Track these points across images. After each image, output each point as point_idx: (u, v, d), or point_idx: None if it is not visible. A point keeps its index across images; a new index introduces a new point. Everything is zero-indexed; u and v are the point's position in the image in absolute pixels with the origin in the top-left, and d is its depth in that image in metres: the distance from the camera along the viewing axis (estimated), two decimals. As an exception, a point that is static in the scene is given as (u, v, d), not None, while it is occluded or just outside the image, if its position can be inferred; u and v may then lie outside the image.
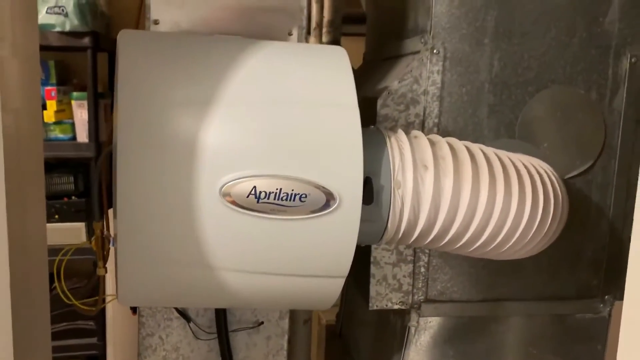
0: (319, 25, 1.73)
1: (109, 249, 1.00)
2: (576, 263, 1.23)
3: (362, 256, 1.18)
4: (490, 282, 1.21)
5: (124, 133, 0.81)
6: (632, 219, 0.66)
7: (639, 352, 0.62)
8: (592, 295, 1.25)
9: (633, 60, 1.16)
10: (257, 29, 1.05)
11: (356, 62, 1.57)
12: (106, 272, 0.99)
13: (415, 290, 1.18)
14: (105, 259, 0.99)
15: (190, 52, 0.89)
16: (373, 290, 1.17)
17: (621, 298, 1.26)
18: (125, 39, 0.88)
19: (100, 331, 2.30)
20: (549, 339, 1.27)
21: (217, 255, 0.85)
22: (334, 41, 1.65)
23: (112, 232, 0.93)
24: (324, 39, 1.67)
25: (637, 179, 1.22)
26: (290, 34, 1.07)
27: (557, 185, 1.04)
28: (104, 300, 1.04)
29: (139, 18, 1.11)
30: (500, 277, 1.21)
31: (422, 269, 1.18)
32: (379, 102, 1.10)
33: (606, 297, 1.25)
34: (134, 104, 0.82)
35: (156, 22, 1.03)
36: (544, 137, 1.16)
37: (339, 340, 1.68)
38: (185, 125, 0.82)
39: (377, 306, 1.18)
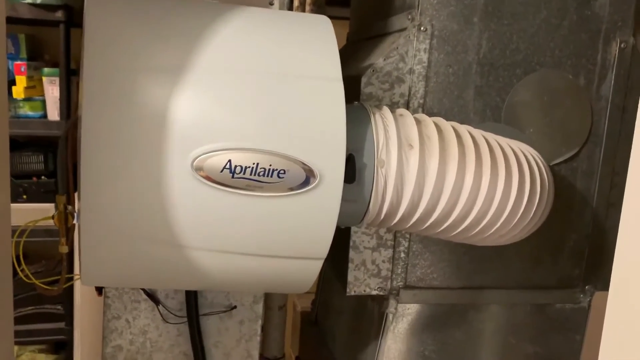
0: (302, 3, 1.68)
1: (74, 225, 0.95)
2: (558, 252, 1.21)
3: (341, 240, 1.14)
4: (470, 269, 1.18)
5: (89, 100, 0.75)
6: (616, 209, 0.63)
7: (622, 344, 0.59)
8: (573, 285, 1.23)
9: (622, 45, 1.14)
10: (236, -3, 1.00)
11: (340, 45, 1.53)
12: (68, 250, 0.93)
13: (394, 276, 1.15)
14: (68, 236, 0.93)
15: (163, 15, 0.83)
16: (351, 275, 1.13)
17: (602, 288, 1.25)
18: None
19: (68, 315, 2.23)
20: (528, 328, 1.24)
21: (187, 232, 0.80)
22: (317, 20, 1.60)
23: (77, 207, 0.87)
24: (307, 18, 1.62)
25: (621, 168, 1.20)
26: (271, 4, 1.01)
27: (543, 170, 1.01)
28: (66, 280, 0.98)
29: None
30: (481, 265, 1.18)
31: (402, 255, 1.14)
32: (363, 80, 1.06)
33: (587, 287, 1.23)
34: (101, 69, 0.77)
35: (129, -14, 0.97)
36: (530, 121, 1.13)
37: (314, 328, 1.65)
38: (156, 93, 0.77)
39: (355, 292, 1.14)
